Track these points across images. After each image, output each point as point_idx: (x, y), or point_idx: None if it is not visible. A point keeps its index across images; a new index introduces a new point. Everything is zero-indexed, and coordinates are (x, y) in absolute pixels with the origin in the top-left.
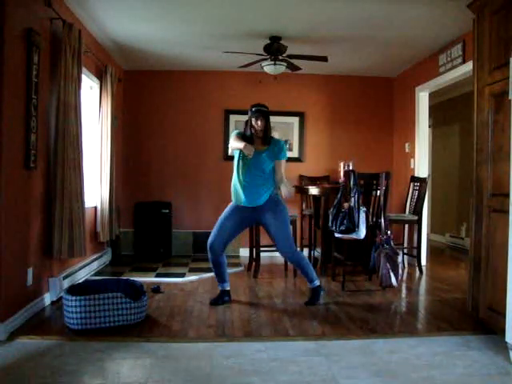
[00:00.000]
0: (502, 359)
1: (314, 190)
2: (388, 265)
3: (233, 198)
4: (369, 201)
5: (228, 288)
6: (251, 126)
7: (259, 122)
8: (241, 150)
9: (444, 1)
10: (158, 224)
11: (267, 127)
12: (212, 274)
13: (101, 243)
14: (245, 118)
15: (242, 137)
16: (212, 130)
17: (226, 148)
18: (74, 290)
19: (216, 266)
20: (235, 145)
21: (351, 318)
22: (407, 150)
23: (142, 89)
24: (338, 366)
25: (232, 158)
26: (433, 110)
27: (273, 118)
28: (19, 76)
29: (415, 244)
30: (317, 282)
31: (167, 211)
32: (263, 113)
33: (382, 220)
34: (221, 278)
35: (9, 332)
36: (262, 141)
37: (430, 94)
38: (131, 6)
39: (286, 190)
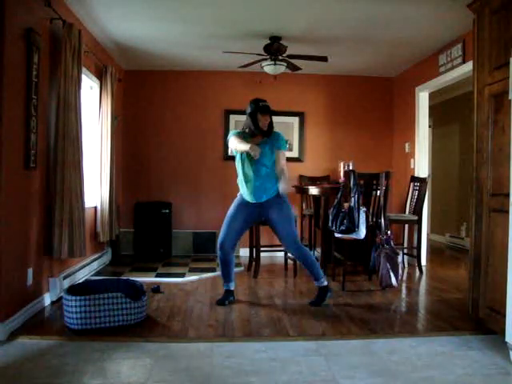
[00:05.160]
0: (502, 359)
1: (314, 190)
2: (388, 265)
3: (240, 192)
4: (369, 201)
5: (233, 288)
6: (257, 120)
7: (268, 118)
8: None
9: (444, 1)
10: (158, 224)
11: (272, 123)
12: (212, 274)
13: (101, 243)
14: (244, 118)
15: (242, 135)
16: (212, 130)
17: (226, 148)
18: (74, 289)
19: (225, 264)
20: (240, 147)
21: (351, 318)
22: (407, 150)
23: (142, 89)
24: (338, 366)
25: (232, 158)
26: (433, 109)
27: (273, 118)
28: (19, 76)
29: (415, 244)
30: (324, 281)
31: (167, 211)
32: (269, 108)
33: (382, 220)
34: (228, 277)
35: (9, 332)
36: (262, 135)
37: (430, 94)
38: (131, 6)
39: (283, 185)
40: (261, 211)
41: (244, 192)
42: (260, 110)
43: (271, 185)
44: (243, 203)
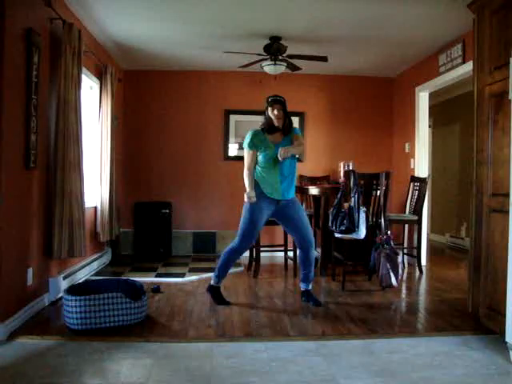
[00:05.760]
0: (502, 359)
1: (314, 190)
2: (388, 265)
3: (263, 189)
4: (369, 201)
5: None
6: (269, 117)
7: (276, 111)
8: (265, 147)
9: (444, 1)
10: (158, 224)
11: (285, 116)
12: (212, 274)
13: (101, 243)
14: (244, 118)
15: (260, 134)
16: (212, 130)
17: (226, 148)
18: (73, 290)
19: (231, 265)
20: (246, 187)
21: (351, 318)
22: (407, 150)
23: (142, 89)
24: (337, 365)
25: (232, 158)
26: (433, 109)
27: None
28: (19, 76)
29: (415, 244)
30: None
31: (167, 211)
32: (279, 102)
33: (382, 220)
34: (224, 275)
35: (9, 332)
36: (281, 132)
37: (430, 94)
38: (131, 7)
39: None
40: (278, 209)
41: (268, 187)
42: (268, 104)
43: (292, 185)
44: (264, 202)
